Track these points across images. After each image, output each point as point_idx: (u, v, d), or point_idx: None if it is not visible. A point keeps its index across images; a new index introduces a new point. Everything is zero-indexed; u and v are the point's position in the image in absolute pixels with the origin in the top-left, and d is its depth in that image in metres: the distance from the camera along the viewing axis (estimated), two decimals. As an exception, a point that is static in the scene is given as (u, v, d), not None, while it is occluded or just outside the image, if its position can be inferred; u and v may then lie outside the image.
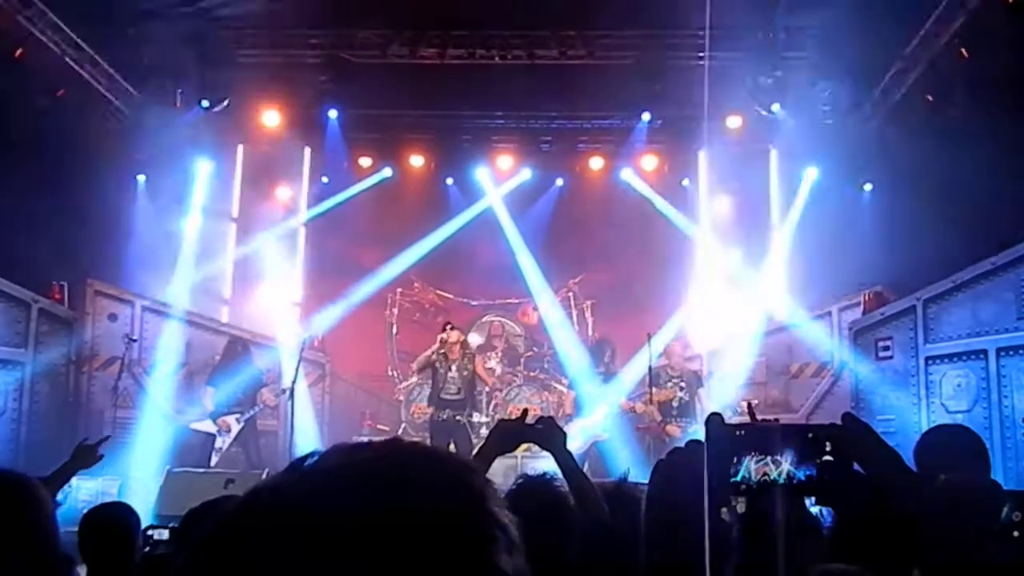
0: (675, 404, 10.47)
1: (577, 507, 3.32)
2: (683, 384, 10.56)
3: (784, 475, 1.18)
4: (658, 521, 1.23)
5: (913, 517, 1.15)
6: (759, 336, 12.35)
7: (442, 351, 10.37)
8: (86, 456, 4.48)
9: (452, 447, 10.05)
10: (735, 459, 1.18)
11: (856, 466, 1.19)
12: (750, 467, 1.18)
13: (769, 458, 1.18)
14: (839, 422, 1.23)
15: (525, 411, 3.84)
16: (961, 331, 9.39)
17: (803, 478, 1.18)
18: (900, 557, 1.15)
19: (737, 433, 1.19)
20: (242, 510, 0.76)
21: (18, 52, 10.78)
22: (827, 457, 1.19)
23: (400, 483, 0.75)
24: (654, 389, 10.51)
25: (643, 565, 1.25)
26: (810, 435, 1.20)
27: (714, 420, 1.21)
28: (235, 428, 10.53)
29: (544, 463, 3.56)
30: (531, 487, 3.19)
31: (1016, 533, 2.92)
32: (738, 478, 1.18)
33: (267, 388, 10.90)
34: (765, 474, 1.18)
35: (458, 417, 10.27)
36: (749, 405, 1.24)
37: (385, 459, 0.77)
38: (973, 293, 9.31)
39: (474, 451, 3.90)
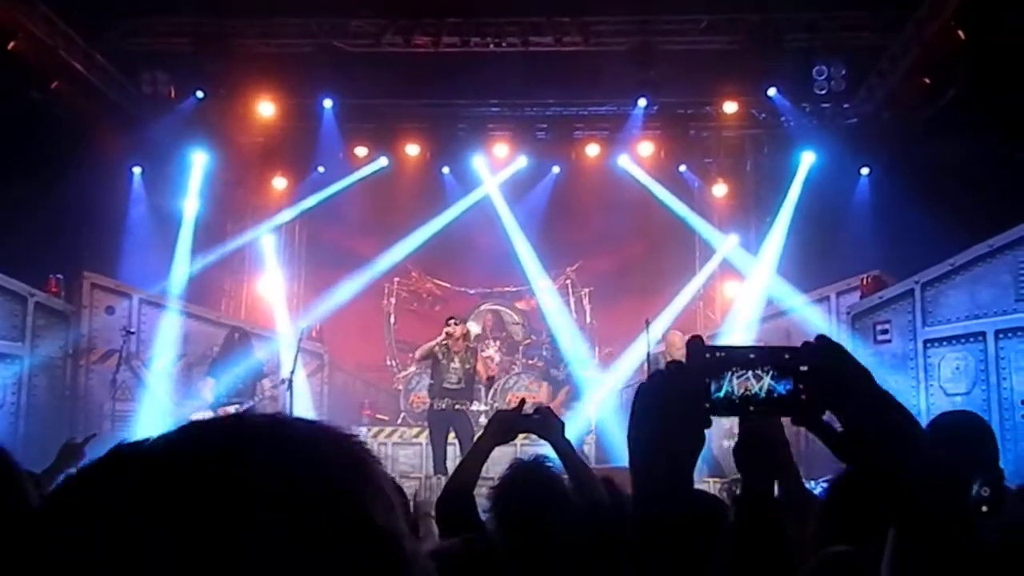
0: None
1: (576, 492, 3.32)
2: None
3: (765, 389, 1.18)
4: (640, 439, 1.23)
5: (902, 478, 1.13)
6: (757, 321, 12.35)
7: (445, 343, 10.34)
8: (72, 455, 4.48)
9: (453, 436, 10.05)
10: (717, 378, 1.20)
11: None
12: (732, 382, 1.19)
13: (750, 372, 1.19)
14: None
15: (523, 401, 3.85)
16: (959, 314, 9.39)
17: (783, 392, 1.18)
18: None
19: (718, 355, 1.20)
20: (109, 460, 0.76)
21: (11, 45, 10.73)
22: (803, 368, 1.20)
23: (281, 440, 0.76)
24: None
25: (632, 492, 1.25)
26: (786, 356, 1.20)
27: (695, 342, 1.21)
28: None
29: (544, 450, 3.56)
30: (523, 471, 3.19)
31: (984, 508, 2.92)
32: (720, 394, 1.18)
33: (267, 379, 10.89)
34: (747, 389, 1.19)
35: (458, 406, 10.23)
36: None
37: (268, 423, 0.78)
38: (971, 276, 9.30)
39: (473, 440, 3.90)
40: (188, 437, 0.77)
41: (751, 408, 1.20)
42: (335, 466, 0.76)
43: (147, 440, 0.77)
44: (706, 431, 1.21)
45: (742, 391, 1.20)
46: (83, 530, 0.70)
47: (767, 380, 1.19)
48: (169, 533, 0.68)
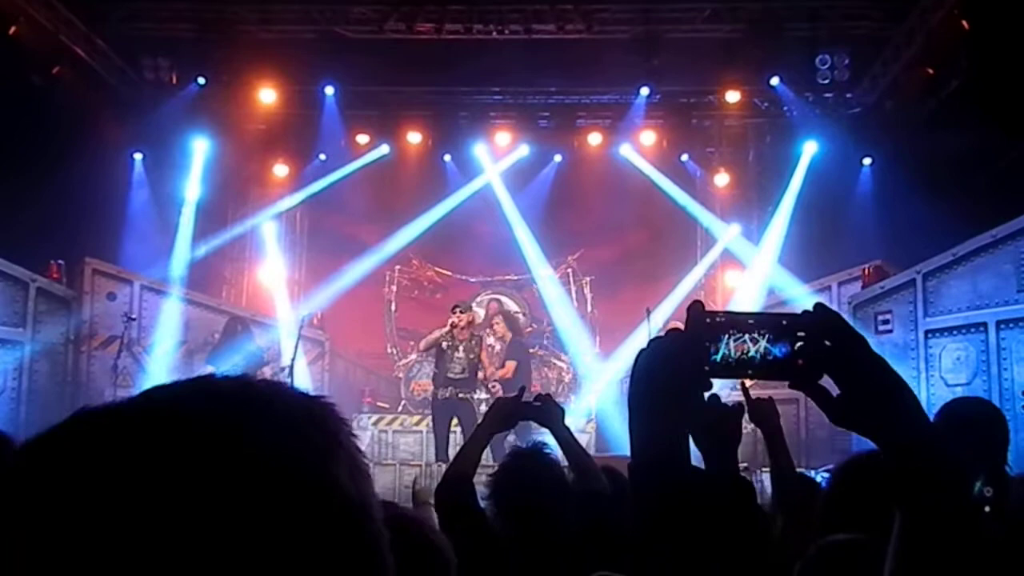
0: None
1: (577, 481, 3.33)
2: None
3: (761, 352, 1.19)
4: (640, 406, 1.23)
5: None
6: (758, 311, 12.33)
7: (450, 332, 10.31)
8: None
9: (456, 424, 10.06)
10: (715, 341, 1.20)
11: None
12: (729, 345, 1.19)
13: (747, 335, 1.19)
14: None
15: (523, 388, 3.86)
16: (961, 304, 9.38)
17: (780, 356, 1.19)
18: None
19: (717, 319, 1.20)
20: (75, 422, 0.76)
21: (12, 30, 10.70)
22: (801, 333, 1.20)
23: (249, 401, 0.77)
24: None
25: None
26: (784, 322, 1.20)
27: (695, 306, 1.22)
28: None
29: (545, 439, 3.57)
30: (522, 458, 3.20)
31: (987, 508, 2.91)
32: (718, 357, 1.19)
33: (268, 366, 10.88)
34: (743, 351, 1.19)
35: (462, 395, 10.21)
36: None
37: (236, 385, 0.79)
38: (973, 266, 9.30)
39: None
40: (149, 399, 0.78)
41: (748, 371, 1.20)
42: (303, 427, 0.76)
43: (111, 403, 0.78)
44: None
45: (739, 354, 1.20)
46: (41, 496, 0.70)
47: (763, 343, 1.20)
48: (128, 497, 0.68)
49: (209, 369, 10.58)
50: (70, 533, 0.68)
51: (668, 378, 1.19)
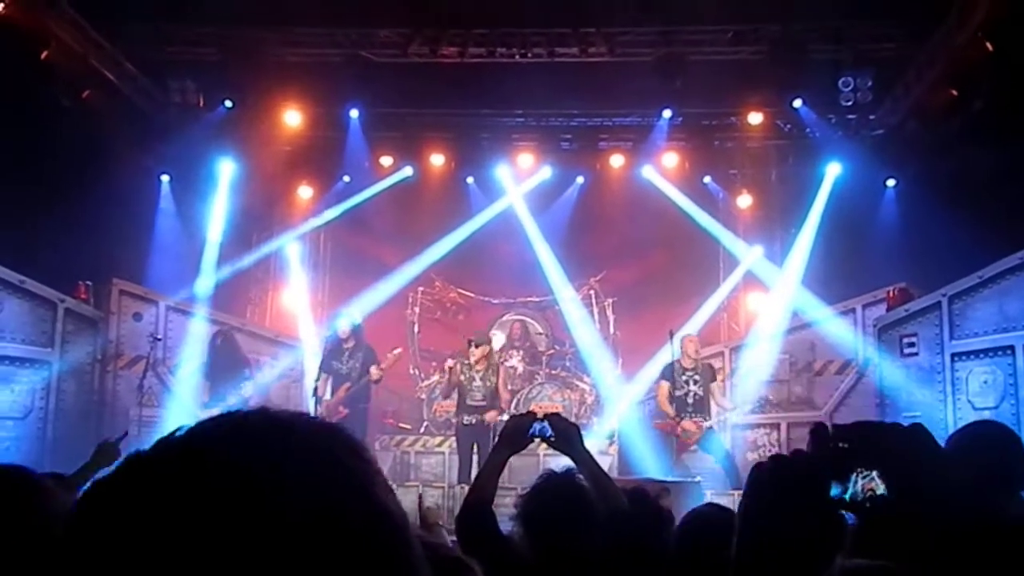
0: (690, 400, 10.41)
1: (596, 500, 3.33)
2: (697, 378, 10.50)
3: (883, 490, 1.13)
4: (755, 529, 1.15)
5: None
6: (782, 333, 12.28)
7: (467, 363, 10.47)
8: (108, 454, 4.53)
9: (475, 449, 10.11)
10: (843, 479, 1.13)
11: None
12: (858, 484, 1.12)
13: (875, 472, 1.12)
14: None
15: (532, 413, 3.79)
16: (987, 327, 9.30)
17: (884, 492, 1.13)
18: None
19: (840, 445, 1.13)
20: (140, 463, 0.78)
21: (44, 54, 10.87)
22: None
23: (291, 439, 0.79)
24: (663, 383, 10.54)
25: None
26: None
27: (820, 430, 1.15)
28: None
29: (568, 459, 3.56)
30: (554, 482, 3.20)
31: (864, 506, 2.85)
32: (847, 496, 1.12)
33: (248, 382, 10.73)
34: (871, 490, 1.13)
35: (483, 421, 10.36)
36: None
37: (272, 423, 0.81)
38: (999, 289, 9.22)
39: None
40: (197, 438, 0.80)
41: (869, 507, 1.13)
42: (344, 459, 0.80)
43: (160, 443, 0.80)
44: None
45: (868, 492, 1.12)
46: (107, 539, 0.73)
47: (879, 481, 1.12)
48: (192, 533, 0.71)
49: (206, 385, 10.62)
50: None
51: (789, 510, 1.10)
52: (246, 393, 10.48)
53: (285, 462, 0.76)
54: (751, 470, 1.17)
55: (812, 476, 1.13)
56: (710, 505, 3.74)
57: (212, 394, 10.53)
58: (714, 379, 10.68)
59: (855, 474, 1.11)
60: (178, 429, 0.81)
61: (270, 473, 0.75)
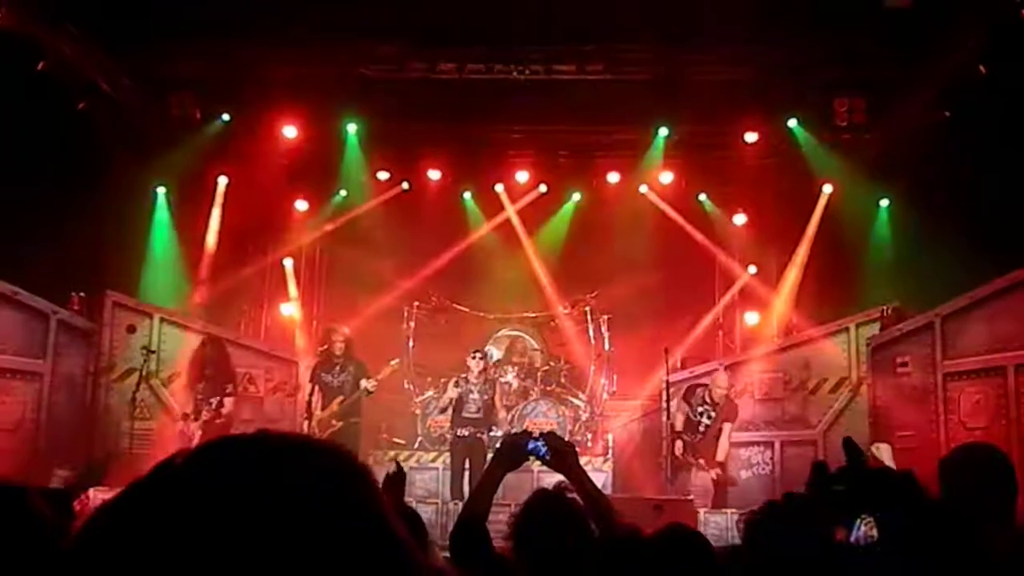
0: (700, 429, 10.47)
1: (589, 517, 3.32)
2: (713, 413, 10.51)
3: (878, 530, 1.14)
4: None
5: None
6: (776, 351, 12.30)
7: (464, 376, 10.52)
8: (95, 471, 4.53)
9: (466, 465, 10.12)
10: (848, 523, 1.13)
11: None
12: (860, 528, 1.14)
13: (875, 515, 1.13)
14: (851, 442, 1.17)
15: (527, 431, 3.79)
16: (980, 348, 9.33)
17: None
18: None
19: (838, 488, 1.13)
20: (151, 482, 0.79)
21: (40, 65, 10.88)
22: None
23: (304, 456, 0.80)
24: (674, 404, 10.56)
25: None
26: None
27: (819, 469, 1.15)
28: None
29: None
30: (545, 500, 3.20)
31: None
32: (852, 539, 1.12)
33: (230, 396, 10.52)
34: (871, 534, 1.14)
35: (479, 434, 10.39)
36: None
37: (288, 444, 0.82)
38: (992, 310, 9.26)
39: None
40: (196, 468, 0.80)
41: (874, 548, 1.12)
42: (355, 483, 0.80)
43: (161, 468, 0.80)
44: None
45: (868, 539, 1.12)
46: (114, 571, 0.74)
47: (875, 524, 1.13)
48: (199, 564, 0.72)
49: (194, 392, 10.50)
50: None
51: (792, 559, 1.09)
52: (225, 410, 10.35)
53: (292, 491, 0.76)
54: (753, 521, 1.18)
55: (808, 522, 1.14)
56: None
57: (193, 403, 10.41)
58: (731, 421, 10.65)
59: (859, 519, 1.12)
60: (177, 455, 0.81)
61: (277, 502, 0.74)
